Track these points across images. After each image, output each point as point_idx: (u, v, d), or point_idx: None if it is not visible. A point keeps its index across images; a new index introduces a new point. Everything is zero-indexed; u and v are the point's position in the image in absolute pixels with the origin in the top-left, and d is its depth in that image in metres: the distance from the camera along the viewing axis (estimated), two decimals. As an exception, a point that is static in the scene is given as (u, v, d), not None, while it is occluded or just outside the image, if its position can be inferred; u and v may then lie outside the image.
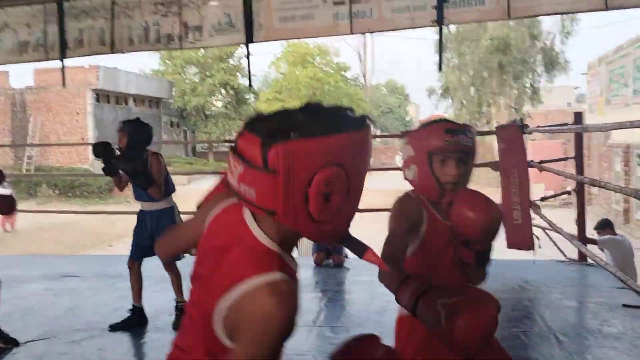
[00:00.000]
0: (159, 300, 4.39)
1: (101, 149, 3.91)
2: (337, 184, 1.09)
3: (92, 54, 6.31)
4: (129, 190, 4.13)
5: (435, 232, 1.93)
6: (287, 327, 1.07)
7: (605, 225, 6.25)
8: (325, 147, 1.07)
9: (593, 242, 5.95)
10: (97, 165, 26.06)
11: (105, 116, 27.24)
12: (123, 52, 6.20)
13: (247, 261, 1.13)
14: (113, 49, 6.15)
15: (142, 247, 3.97)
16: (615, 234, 6.17)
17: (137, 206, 4.18)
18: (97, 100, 26.67)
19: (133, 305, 4.00)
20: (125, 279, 5.16)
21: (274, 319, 1.06)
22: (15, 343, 3.64)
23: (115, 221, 15.96)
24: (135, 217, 4.17)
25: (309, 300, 4.40)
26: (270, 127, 1.08)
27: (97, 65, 25.75)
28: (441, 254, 1.93)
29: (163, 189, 3.96)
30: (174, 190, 4.14)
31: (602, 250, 6.06)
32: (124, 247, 12.55)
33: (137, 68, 40.82)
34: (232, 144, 1.15)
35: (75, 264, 6.10)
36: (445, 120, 1.95)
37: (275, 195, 1.08)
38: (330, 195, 1.08)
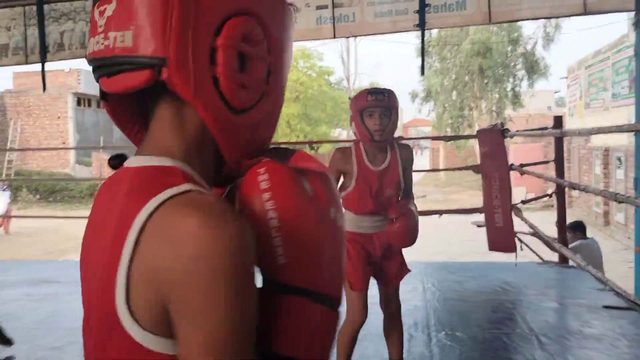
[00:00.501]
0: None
1: (118, 161, 3.78)
2: (257, 42, 0.75)
3: (74, 58, 6.26)
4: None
5: (365, 176, 2.74)
6: (243, 248, 0.64)
7: (576, 228, 6.09)
8: None
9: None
10: (79, 170, 25.62)
11: (87, 120, 26.99)
12: (104, 56, 6.16)
13: (135, 192, 0.69)
14: (94, 52, 6.11)
15: None
16: (585, 237, 6.03)
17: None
18: (78, 104, 26.43)
19: None
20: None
21: (214, 240, 0.63)
22: (9, 343, 3.55)
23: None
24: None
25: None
26: None
27: (78, 69, 25.52)
28: (371, 190, 2.74)
29: None
30: None
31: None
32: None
33: (118, 71, 40.46)
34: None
35: (56, 269, 6.03)
36: (371, 87, 2.77)
37: (163, 33, 0.69)
38: (249, 60, 0.75)
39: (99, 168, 22.12)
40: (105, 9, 0.71)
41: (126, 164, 0.77)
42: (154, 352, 0.66)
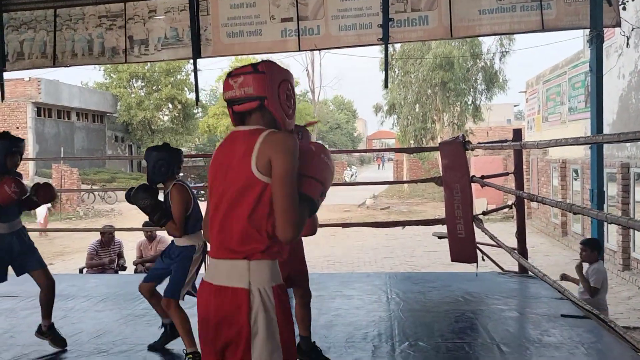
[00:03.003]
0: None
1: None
2: (290, 90, 2.02)
3: (34, 67, 6.15)
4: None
5: None
6: (297, 148, 1.88)
7: (595, 246, 5.28)
8: (282, 69, 2.02)
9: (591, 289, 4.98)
10: (36, 181, 25.19)
11: (47, 130, 26.43)
12: (66, 66, 6.07)
13: (255, 133, 1.91)
14: (55, 62, 6.02)
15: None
16: (598, 258, 5.27)
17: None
18: (38, 114, 25.86)
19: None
20: (65, 299, 5.01)
21: (290, 140, 1.88)
22: (63, 344, 3.77)
23: (54, 239, 15.53)
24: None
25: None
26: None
27: (39, 78, 24.99)
28: None
29: None
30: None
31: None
32: (65, 266, 12.06)
33: (80, 81, 39.82)
34: (253, 68, 1.95)
35: (13, 283, 5.82)
36: None
37: (264, 86, 1.92)
38: (288, 98, 2.00)
39: (60, 179, 21.60)
40: (236, 80, 1.93)
41: (239, 129, 1.98)
42: (264, 182, 1.85)
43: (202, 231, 3.49)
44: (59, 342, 3.76)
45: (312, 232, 3.15)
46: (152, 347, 3.71)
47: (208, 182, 2.03)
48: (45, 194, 3.87)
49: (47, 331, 3.79)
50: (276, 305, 1.87)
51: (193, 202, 3.54)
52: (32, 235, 4.03)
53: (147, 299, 3.75)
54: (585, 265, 5.19)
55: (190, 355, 3.37)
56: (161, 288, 3.63)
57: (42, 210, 16.14)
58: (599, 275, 5.05)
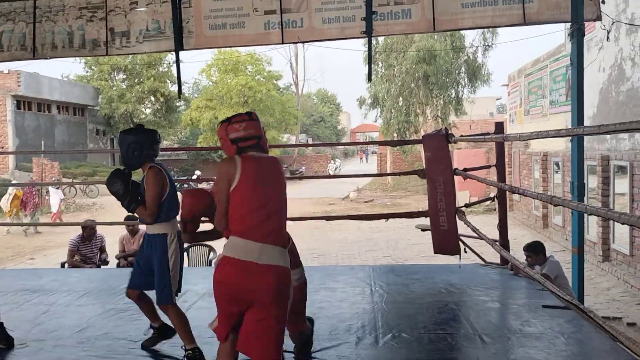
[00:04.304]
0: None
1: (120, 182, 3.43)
2: None
3: (13, 60, 6.06)
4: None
5: None
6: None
7: (539, 249, 5.40)
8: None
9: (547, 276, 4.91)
10: (18, 175, 24.59)
11: (27, 123, 26.07)
12: (46, 58, 5.98)
13: (276, 159, 2.93)
14: (35, 54, 5.93)
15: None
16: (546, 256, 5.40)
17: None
18: (18, 107, 25.49)
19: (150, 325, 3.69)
20: (47, 294, 4.97)
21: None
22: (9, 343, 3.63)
23: (35, 233, 15.40)
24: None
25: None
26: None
27: (18, 71, 24.63)
28: None
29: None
30: None
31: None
32: (46, 261, 11.93)
33: (60, 74, 39.14)
34: (249, 116, 2.82)
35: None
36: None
37: (260, 129, 2.81)
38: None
39: (40, 173, 21.33)
40: (241, 124, 2.79)
41: (262, 155, 2.83)
42: None
43: (176, 219, 3.44)
44: (4, 341, 3.63)
45: None
46: (143, 346, 3.62)
47: (247, 182, 2.65)
48: None
49: None
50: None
51: (169, 186, 3.42)
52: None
53: (136, 303, 3.66)
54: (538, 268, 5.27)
55: (190, 352, 3.30)
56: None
57: (55, 201, 16.47)
58: (552, 266, 5.18)
